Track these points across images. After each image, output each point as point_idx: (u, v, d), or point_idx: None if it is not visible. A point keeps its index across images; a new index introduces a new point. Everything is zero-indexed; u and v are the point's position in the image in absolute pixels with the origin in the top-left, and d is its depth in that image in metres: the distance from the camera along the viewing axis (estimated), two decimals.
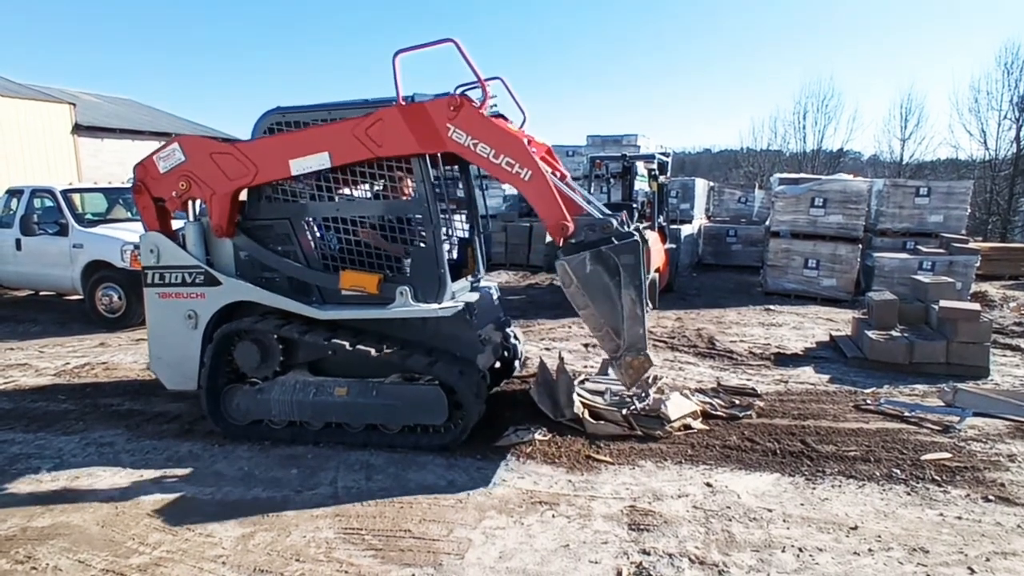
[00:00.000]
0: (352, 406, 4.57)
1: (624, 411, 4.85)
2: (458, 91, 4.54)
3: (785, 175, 13.37)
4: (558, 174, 5.31)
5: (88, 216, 9.60)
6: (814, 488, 3.96)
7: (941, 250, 10.24)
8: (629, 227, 4.38)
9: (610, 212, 4.92)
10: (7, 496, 3.96)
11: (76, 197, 9.70)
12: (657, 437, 4.66)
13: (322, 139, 4.47)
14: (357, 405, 4.56)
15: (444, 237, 4.63)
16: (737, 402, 5.49)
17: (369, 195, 4.76)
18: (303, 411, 4.65)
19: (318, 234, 4.80)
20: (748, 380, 6.22)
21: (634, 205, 10.57)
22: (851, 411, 5.31)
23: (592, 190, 11.19)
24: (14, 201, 9.55)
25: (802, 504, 3.75)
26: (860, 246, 10.84)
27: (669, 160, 12.16)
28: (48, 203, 9.38)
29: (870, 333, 6.74)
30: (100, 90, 25.29)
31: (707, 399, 5.47)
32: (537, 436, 4.63)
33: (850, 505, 3.74)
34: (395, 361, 4.46)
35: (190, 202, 4.94)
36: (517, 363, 5.82)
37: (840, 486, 3.99)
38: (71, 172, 17.33)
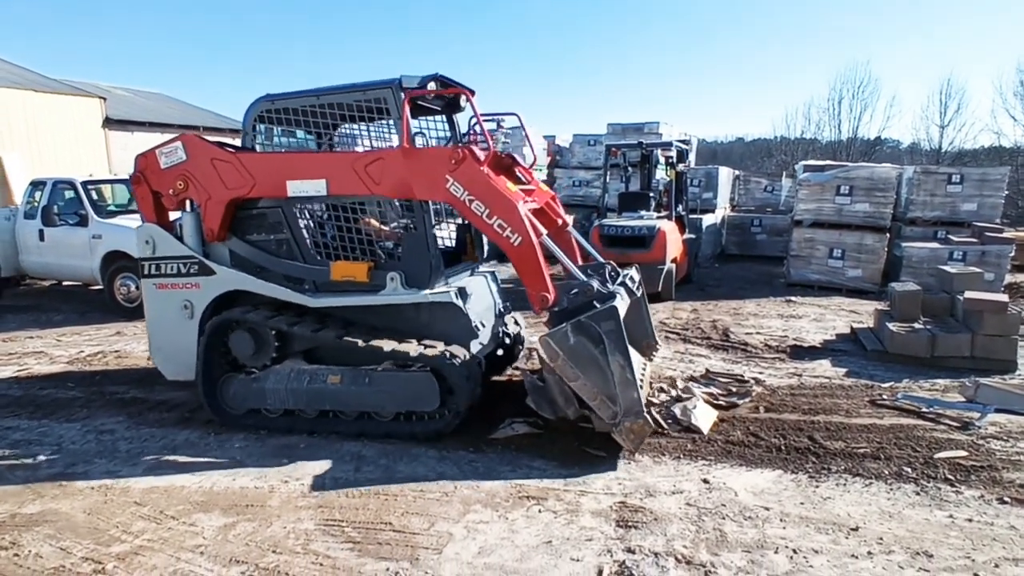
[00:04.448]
0: (345, 394, 4.53)
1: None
2: (467, 137, 4.60)
3: (810, 162, 12.94)
4: (560, 221, 5.35)
5: (111, 207, 9.77)
6: (817, 486, 3.79)
7: (973, 240, 9.80)
8: (609, 287, 4.38)
9: (598, 264, 5.06)
10: (2, 482, 4.02)
11: (101, 188, 9.90)
12: (661, 432, 4.52)
13: (322, 165, 4.54)
14: (350, 393, 4.52)
15: (436, 222, 4.55)
16: (733, 389, 5.32)
17: None
18: (298, 399, 4.63)
19: (311, 223, 4.78)
20: (761, 373, 6.03)
21: (651, 195, 10.34)
22: (865, 406, 5.09)
23: (608, 180, 11.02)
24: (37, 193, 9.75)
25: (802, 503, 3.58)
26: (888, 235, 10.45)
27: (690, 148, 11.89)
28: (71, 194, 9.57)
29: (891, 325, 6.47)
30: (131, 84, 25.78)
31: (705, 388, 5.30)
32: (533, 429, 4.52)
33: (853, 505, 3.56)
34: (384, 348, 4.41)
35: (186, 201, 4.95)
36: (519, 350, 5.72)
37: (845, 484, 3.81)
38: (102, 165, 17.69)
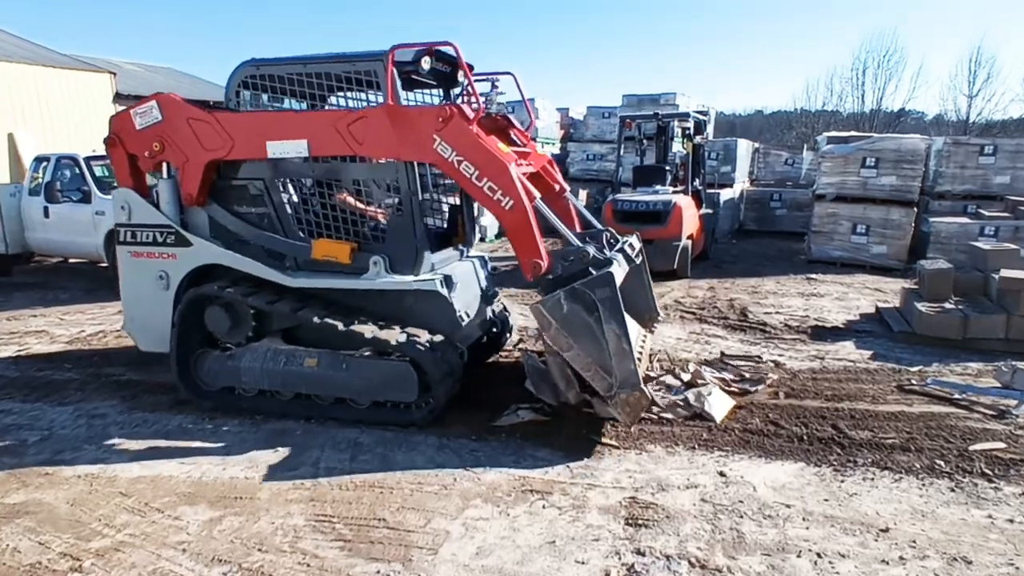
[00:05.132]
0: (321, 378, 4.35)
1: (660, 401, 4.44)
2: (461, 94, 4.33)
3: (834, 134, 12.44)
4: (557, 187, 5.14)
5: (115, 183, 9.59)
6: (842, 481, 3.53)
7: (1006, 214, 9.34)
8: (607, 253, 4.16)
9: (596, 231, 4.83)
10: None
11: (106, 164, 9.71)
12: (669, 420, 4.28)
13: (303, 126, 4.31)
14: (327, 377, 4.34)
15: (426, 203, 4.36)
16: (747, 375, 5.06)
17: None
18: (273, 380, 4.46)
19: (295, 197, 4.57)
20: (780, 356, 5.75)
21: (667, 168, 9.97)
22: (893, 392, 4.80)
23: (623, 153, 10.65)
24: (41, 169, 9.59)
25: (826, 500, 3.33)
26: (915, 210, 10.02)
27: (708, 120, 11.46)
28: (74, 171, 9.39)
29: (920, 305, 6.13)
30: (142, 59, 25.56)
31: (716, 373, 5.04)
32: (538, 416, 4.30)
33: (882, 502, 3.30)
34: (365, 334, 4.21)
35: (163, 164, 4.72)
36: (507, 336, 5.55)
37: (873, 479, 3.55)
38: None
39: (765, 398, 4.71)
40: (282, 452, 3.98)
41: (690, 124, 9.66)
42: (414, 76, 4.40)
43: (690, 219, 9.24)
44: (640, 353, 4.62)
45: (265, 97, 4.54)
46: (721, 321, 7.02)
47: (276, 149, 4.32)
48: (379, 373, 4.24)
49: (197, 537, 3.10)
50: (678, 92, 14.02)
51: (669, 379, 4.84)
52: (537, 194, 4.09)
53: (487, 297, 5.06)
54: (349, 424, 4.31)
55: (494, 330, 5.30)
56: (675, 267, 8.93)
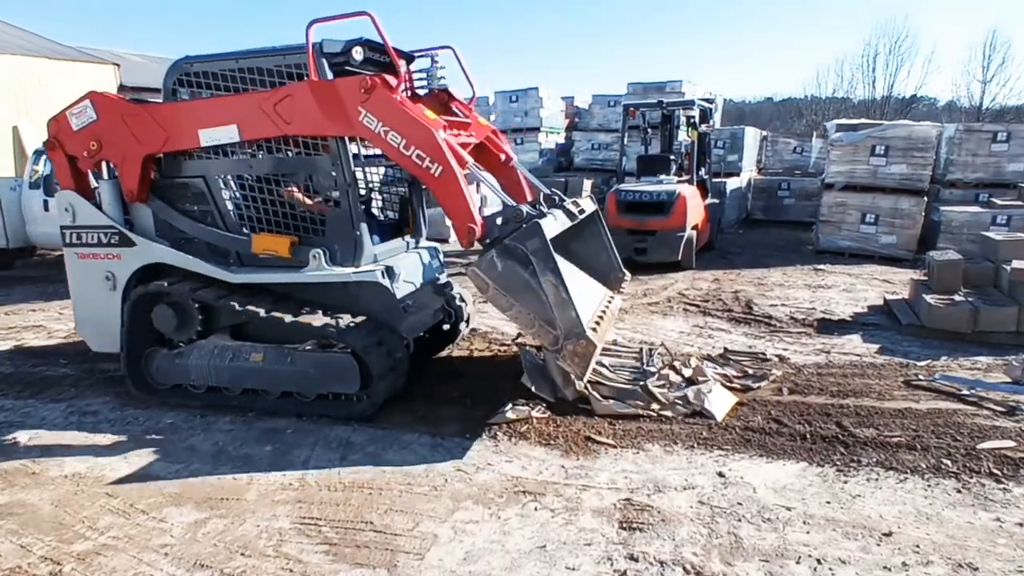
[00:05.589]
0: (267, 372, 4.38)
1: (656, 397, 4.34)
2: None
3: (843, 121, 12.21)
4: (503, 156, 5.17)
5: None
6: (845, 482, 3.42)
7: (1019, 202, 9.14)
8: (541, 210, 4.12)
9: (545, 192, 4.74)
10: None
11: None
12: (668, 418, 4.18)
13: (231, 110, 4.32)
14: (272, 371, 4.36)
15: (365, 194, 4.48)
16: (749, 371, 4.94)
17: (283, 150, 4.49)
18: (220, 376, 4.49)
19: (236, 194, 4.63)
20: (785, 350, 5.63)
21: (672, 157, 9.81)
22: (900, 388, 4.67)
23: (628, 142, 10.49)
24: (41, 162, 9.54)
25: (828, 502, 3.22)
26: (925, 199, 9.82)
27: (715, 107, 11.27)
28: None
29: (928, 297, 5.98)
30: (146, 51, 25.47)
31: (719, 369, 4.93)
32: (534, 413, 4.20)
33: (886, 504, 3.19)
34: (306, 327, 4.22)
35: (103, 163, 4.75)
36: (463, 326, 5.58)
37: (877, 480, 3.43)
38: None
39: (768, 394, 4.60)
40: (272, 451, 3.91)
41: (695, 112, 9.48)
42: (347, 67, 4.36)
43: (695, 209, 9.10)
44: (603, 314, 4.58)
45: (205, 94, 4.55)
46: (725, 314, 6.89)
47: (208, 136, 4.34)
48: (322, 365, 4.26)
49: (180, 540, 3.03)
50: (684, 80, 13.79)
51: (671, 375, 4.73)
52: (468, 159, 4.06)
53: (438, 288, 5.08)
54: (340, 421, 4.24)
55: (447, 321, 5.31)
56: (679, 258, 8.80)
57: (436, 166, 3.84)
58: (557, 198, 4.62)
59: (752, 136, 14.70)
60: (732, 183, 12.77)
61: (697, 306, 7.20)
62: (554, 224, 3.98)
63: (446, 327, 5.37)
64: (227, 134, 4.30)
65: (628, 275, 5.47)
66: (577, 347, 3.62)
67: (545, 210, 4.16)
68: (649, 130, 10.77)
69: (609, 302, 4.95)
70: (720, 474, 3.52)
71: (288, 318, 4.23)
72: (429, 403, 4.53)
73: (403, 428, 4.14)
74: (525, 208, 3.94)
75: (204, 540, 3.02)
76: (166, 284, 4.51)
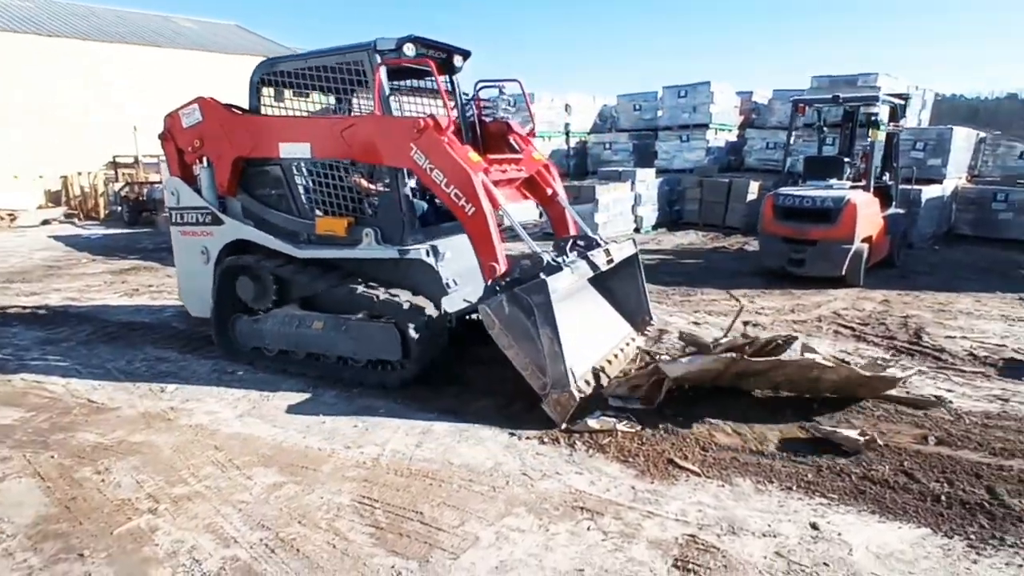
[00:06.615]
0: (325, 339, 4.89)
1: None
2: (471, 99, 5.25)
3: None
4: (550, 191, 5.47)
5: None
6: (975, 561, 2.79)
7: None
8: (563, 260, 4.30)
9: (570, 236, 5.11)
10: (130, 409, 4.49)
11: None
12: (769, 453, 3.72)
13: (307, 130, 4.99)
14: (329, 338, 4.87)
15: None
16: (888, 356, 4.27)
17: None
18: (288, 341, 5.08)
19: (308, 181, 5.13)
20: (950, 391, 4.75)
21: (847, 160, 8.72)
22: None
23: (802, 143, 9.52)
24: None
25: None
26: None
27: (907, 103, 9.83)
28: None
29: None
30: (203, 16, 28.13)
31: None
32: (620, 427, 3.97)
33: None
34: (358, 299, 4.74)
35: (204, 157, 5.42)
36: None
37: (1020, 565, 2.76)
38: None
39: (908, 440, 3.91)
40: (360, 428, 4.11)
41: (877, 109, 8.32)
42: (405, 64, 4.73)
43: (868, 219, 8.01)
44: (617, 355, 4.80)
45: (289, 92, 5.16)
46: (885, 341, 5.99)
47: (287, 151, 5.00)
48: (369, 334, 4.69)
49: (255, 499, 3.30)
50: (880, 72, 12.19)
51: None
52: (503, 202, 4.43)
53: None
54: (426, 409, 4.35)
55: None
56: (843, 273, 7.82)
57: (470, 206, 4.21)
58: (593, 243, 4.97)
59: (963, 137, 12.63)
60: (929, 191, 11.08)
61: (852, 329, 6.35)
62: (569, 278, 4.19)
63: None
64: (302, 150, 4.94)
65: (655, 318, 5.70)
66: (560, 398, 3.89)
67: (567, 261, 4.37)
68: (825, 129, 9.69)
69: (630, 342, 5.17)
70: (813, 525, 3.05)
71: (343, 291, 4.80)
72: (510, 399, 4.41)
73: (484, 422, 4.13)
74: (547, 257, 4.22)
75: (274, 503, 3.26)
76: (248, 258, 5.24)
